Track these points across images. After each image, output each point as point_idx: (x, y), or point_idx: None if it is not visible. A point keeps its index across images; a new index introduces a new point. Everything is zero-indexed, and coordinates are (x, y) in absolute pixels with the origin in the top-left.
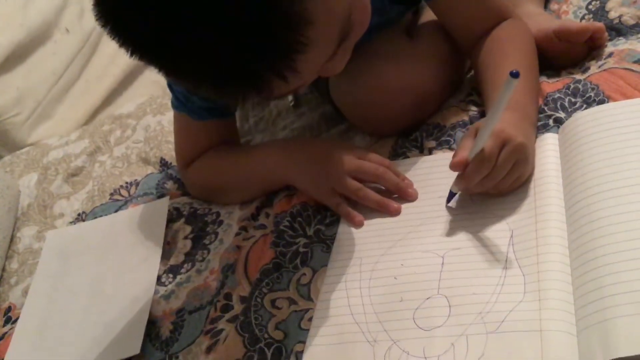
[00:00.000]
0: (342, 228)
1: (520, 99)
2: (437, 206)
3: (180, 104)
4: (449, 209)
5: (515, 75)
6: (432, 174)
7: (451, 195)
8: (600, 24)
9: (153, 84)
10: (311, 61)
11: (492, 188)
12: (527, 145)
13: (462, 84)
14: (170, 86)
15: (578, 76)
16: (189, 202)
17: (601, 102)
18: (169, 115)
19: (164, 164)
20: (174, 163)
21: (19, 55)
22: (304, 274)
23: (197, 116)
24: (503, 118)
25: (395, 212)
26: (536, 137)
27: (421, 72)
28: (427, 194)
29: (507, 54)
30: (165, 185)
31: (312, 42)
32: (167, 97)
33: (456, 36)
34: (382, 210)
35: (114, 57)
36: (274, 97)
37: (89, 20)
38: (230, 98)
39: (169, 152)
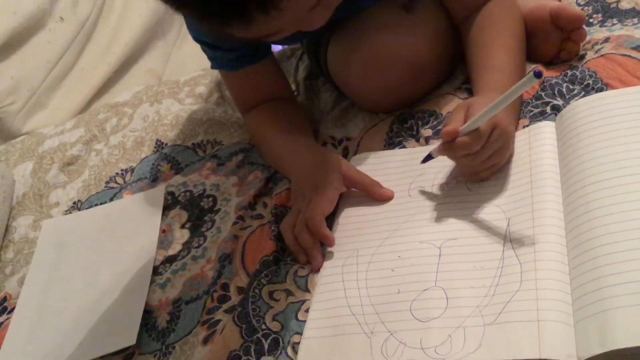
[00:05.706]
0: (339, 219)
1: (509, 87)
2: (433, 195)
3: (214, 62)
4: (445, 197)
5: (538, 75)
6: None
7: (429, 157)
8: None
9: (148, 72)
10: (295, 2)
11: (470, 168)
12: (512, 134)
13: (460, 62)
14: (202, 47)
15: (575, 62)
16: (183, 181)
17: (599, 89)
18: (166, 103)
19: (159, 144)
20: (170, 143)
21: (13, 43)
22: (302, 267)
23: (230, 68)
24: None
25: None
26: (516, 127)
27: (417, 42)
28: (421, 183)
29: (498, 33)
30: (160, 167)
31: None
32: (162, 85)
33: (450, 8)
34: None
35: (108, 45)
36: (250, 36)
37: (84, 9)
38: (211, 24)
39: (164, 133)
